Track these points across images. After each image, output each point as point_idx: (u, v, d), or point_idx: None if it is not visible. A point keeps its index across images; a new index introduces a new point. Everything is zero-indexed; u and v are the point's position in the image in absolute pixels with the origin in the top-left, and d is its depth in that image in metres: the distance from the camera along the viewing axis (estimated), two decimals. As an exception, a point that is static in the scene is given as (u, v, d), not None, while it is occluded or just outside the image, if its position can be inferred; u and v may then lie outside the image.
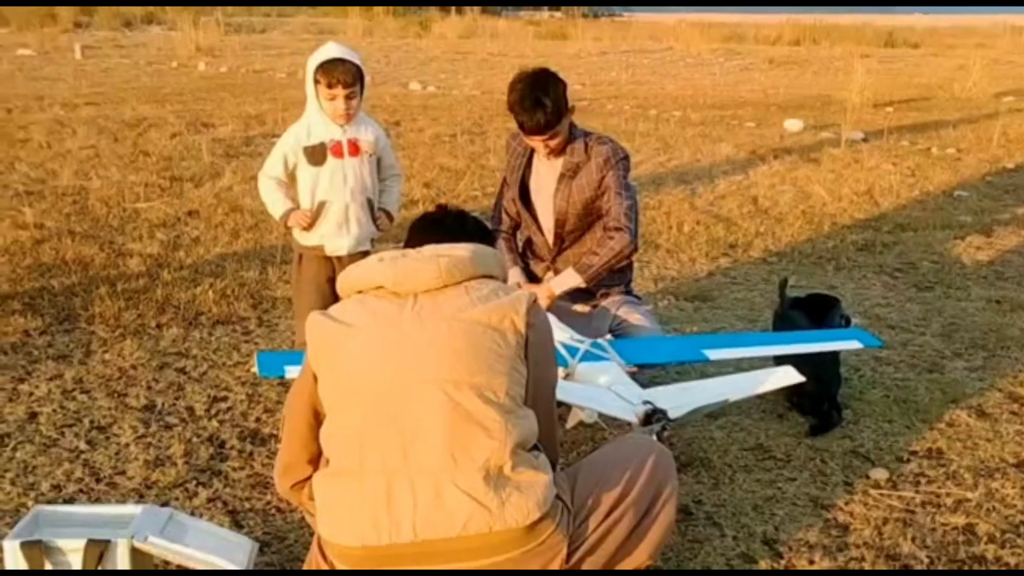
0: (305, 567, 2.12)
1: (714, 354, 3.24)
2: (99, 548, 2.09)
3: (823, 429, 3.36)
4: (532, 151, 3.71)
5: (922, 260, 5.58)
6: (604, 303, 3.68)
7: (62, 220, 6.05)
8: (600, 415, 2.98)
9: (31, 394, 3.60)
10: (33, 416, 3.42)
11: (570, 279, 3.56)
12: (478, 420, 1.96)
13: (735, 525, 2.79)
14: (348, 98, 3.31)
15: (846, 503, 2.92)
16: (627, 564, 2.20)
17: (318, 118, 3.35)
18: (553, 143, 3.54)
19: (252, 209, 6.36)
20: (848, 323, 3.67)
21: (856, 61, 13.70)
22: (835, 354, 3.54)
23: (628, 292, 3.80)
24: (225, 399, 3.60)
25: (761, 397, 3.62)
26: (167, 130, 9.52)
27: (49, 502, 2.84)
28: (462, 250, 2.15)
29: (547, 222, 3.74)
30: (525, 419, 2.04)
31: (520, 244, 3.96)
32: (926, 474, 3.10)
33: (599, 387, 2.89)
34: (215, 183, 7.18)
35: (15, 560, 2.07)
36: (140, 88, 13.46)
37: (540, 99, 3.43)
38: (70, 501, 2.87)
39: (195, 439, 3.27)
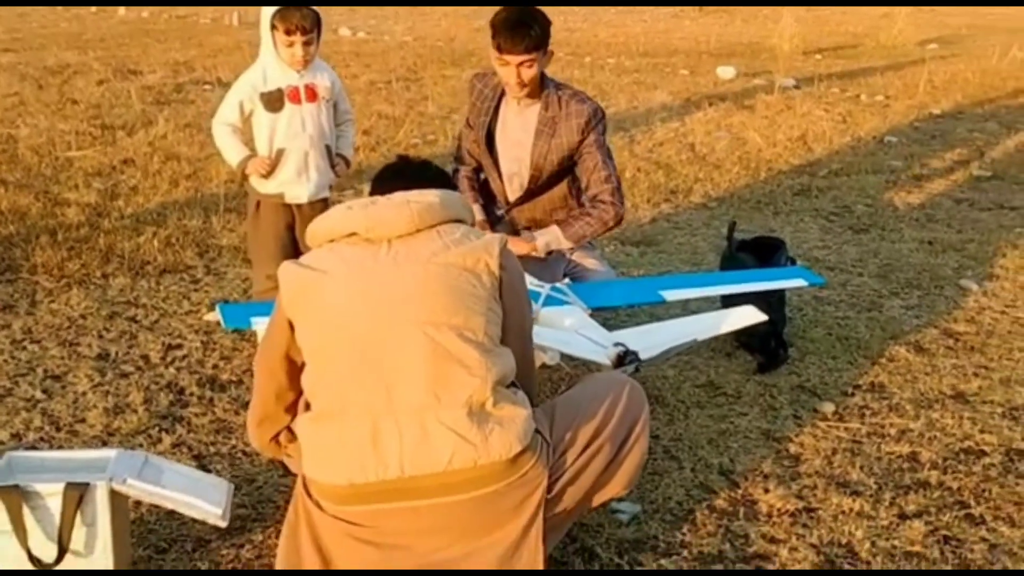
0: (290, 510, 2.15)
1: (670, 295, 3.32)
2: (79, 491, 2.09)
3: (771, 366, 3.48)
4: (501, 96, 3.67)
5: (856, 204, 5.74)
6: (558, 248, 3.73)
7: (-7, 170, 5.90)
8: (563, 356, 3.04)
9: (-20, 345, 3.55)
10: (-15, 367, 3.38)
11: (557, 241, 3.57)
12: (459, 359, 2.01)
13: (692, 458, 2.89)
14: (306, 44, 3.29)
15: (796, 435, 3.04)
16: (604, 494, 2.28)
17: (274, 64, 3.33)
18: (527, 74, 3.47)
19: (189, 157, 6.28)
20: (793, 264, 3.78)
21: (784, 9, 13.86)
22: (781, 294, 3.66)
23: (581, 238, 3.85)
24: (180, 347, 3.59)
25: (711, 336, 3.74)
26: (93, 77, 9.28)
27: (13, 451, 2.83)
28: (431, 195, 2.18)
29: (508, 171, 3.74)
30: (503, 357, 2.09)
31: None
32: (870, 407, 3.24)
33: (567, 331, 2.95)
34: (148, 131, 7.03)
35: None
36: (60, 33, 13.07)
37: (527, 21, 3.38)
38: (33, 448, 2.86)
39: (153, 386, 3.27)
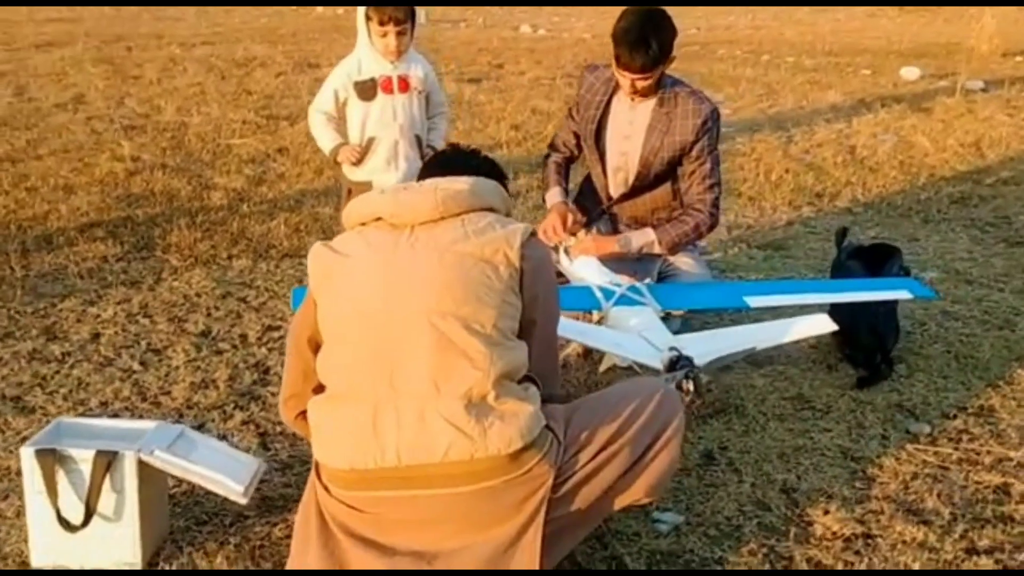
0: (306, 490, 2.17)
1: (755, 301, 3.17)
2: (107, 459, 2.18)
3: (871, 382, 3.27)
4: (613, 91, 3.60)
5: (1019, 215, 5.31)
6: (656, 246, 3.63)
7: (158, 154, 6.26)
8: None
9: (98, 316, 3.76)
10: (96, 337, 3.58)
11: (650, 245, 3.50)
12: (462, 350, 1.97)
13: (755, 472, 2.75)
14: (399, 35, 3.33)
15: (877, 456, 2.84)
16: (623, 500, 2.19)
17: (369, 54, 3.38)
18: (642, 85, 3.43)
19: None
20: (907, 275, 3.54)
21: (987, 9, 13.02)
22: (892, 306, 3.43)
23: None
24: (279, 328, 3.69)
25: (814, 347, 3.54)
26: (273, 69, 9.73)
27: (97, 417, 2.99)
28: (461, 183, 2.15)
29: (614, 166, 3.67)
30: (513, 351, 2.04)
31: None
32: (970, 431, 2.99)
33: (628, 332, 2.86)
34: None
35: (31, 467, 2.19)
36: (257, 28, 13.78)
37: (647, 37, 3.28)
38: (115, 416, 3.00)
39: (241, 364, 3.38)
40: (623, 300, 3.03)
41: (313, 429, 2.10)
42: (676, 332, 3.55)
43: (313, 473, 2.14)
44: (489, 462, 1.97)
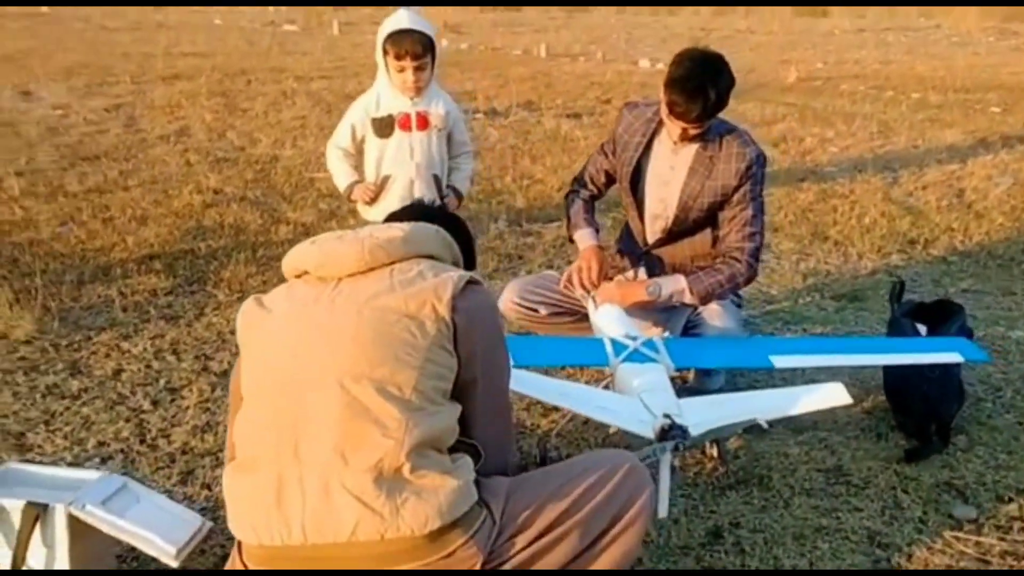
0: (227, 564, 2.02)
1: (781, 361, 2.87)
2: (36, 511, 2.09)
3: (921, 455, 2.94)
4: (654, 133, 3.38)
5: None
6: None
7: (240, 186, 6.30)
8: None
9: (127, 352, 3.73)
10: (118, 373, 3.54)
11: (681, 294, 3.25)
12: (375, 417, 1.79)
13: (763, 555, 2.47)
14: (417, 70, 3.20)
15: (909, 543, 2.53)
16: None
17: (387, 89, 3.27)
18: (695, 133, 3.21)
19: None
20: (970, 335, 3.18)
21: None
22: (953, 370, 3.08)
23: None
24: (301, 370, 3.58)
25: (867, 412, 3.23)
26: (379, 103, 9.78)
27: (89, 459, 2.94)
28: (395, 230, 2.00)
29: (652, 212, 3.44)
30: (436, 416, 1.84)
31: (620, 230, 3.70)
32: None
33: (624, 394, 2.63)
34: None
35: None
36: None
37: (705, 87, 3.03)
38: (108, 459, 2.94)
39: (250, 408, 3.27)
40: (635, 355, 2.80)
41: (226, 499, 1.94)
42: (719, 389, 3.32)
43: (235, 547, 1.98)
44: (403, 543, 1.78)
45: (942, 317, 3.25)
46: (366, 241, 1.95)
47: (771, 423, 2.85)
